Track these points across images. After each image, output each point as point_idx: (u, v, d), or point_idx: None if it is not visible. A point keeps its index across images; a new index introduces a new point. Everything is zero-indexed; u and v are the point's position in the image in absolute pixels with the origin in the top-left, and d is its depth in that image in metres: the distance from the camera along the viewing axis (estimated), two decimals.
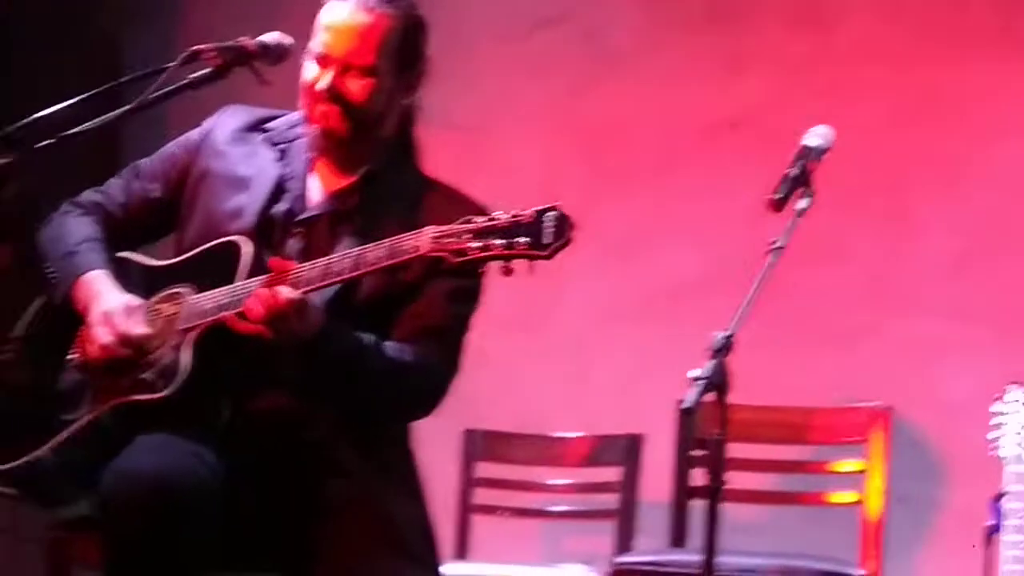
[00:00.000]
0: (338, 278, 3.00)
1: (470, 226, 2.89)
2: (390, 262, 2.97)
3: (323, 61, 3.21)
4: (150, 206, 3.41)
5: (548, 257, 2.85)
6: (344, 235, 3.19)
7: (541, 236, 2.84)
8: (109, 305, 3.19)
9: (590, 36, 5.43)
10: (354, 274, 3.00)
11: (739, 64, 5.28)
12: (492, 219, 2.89)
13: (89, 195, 3.45)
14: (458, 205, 3.17)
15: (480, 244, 2.87)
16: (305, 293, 3.00)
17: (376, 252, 2.98)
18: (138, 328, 3.17)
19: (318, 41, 3.22)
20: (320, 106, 3.22)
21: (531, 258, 2.85)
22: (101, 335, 3.16)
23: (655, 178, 5.31)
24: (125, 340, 3.15)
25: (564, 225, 2.85)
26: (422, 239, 2.93)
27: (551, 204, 2.88)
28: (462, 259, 2.89)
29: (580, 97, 5.41)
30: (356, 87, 3.20)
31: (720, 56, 5.30)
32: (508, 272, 2.88)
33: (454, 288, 3.19)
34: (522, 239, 2.85)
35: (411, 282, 3.17)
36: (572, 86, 5.42)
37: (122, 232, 3.41)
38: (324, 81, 3.20)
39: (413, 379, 3.14)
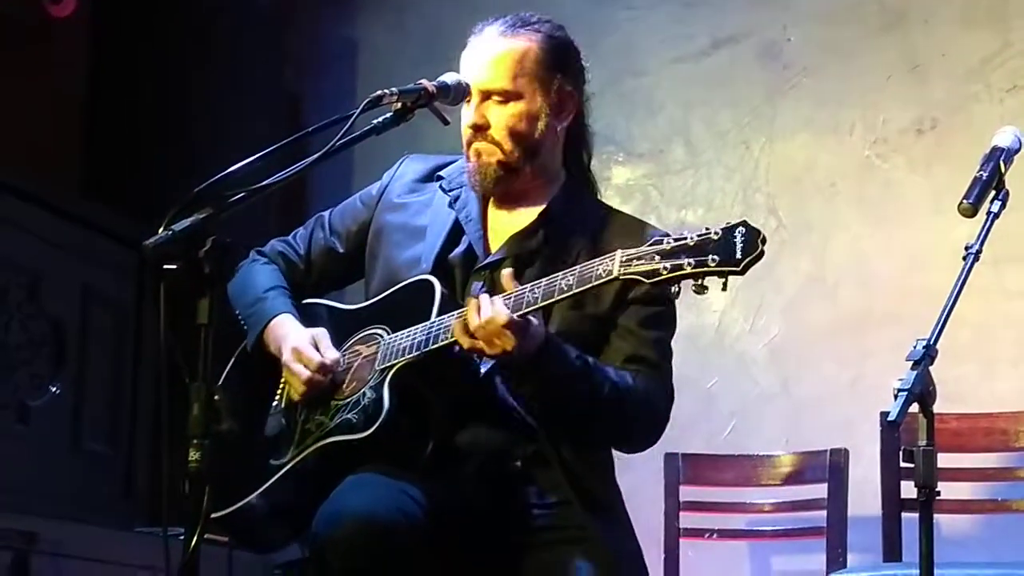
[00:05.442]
0: (529, 308, 2.98)
1: (660, 247, 2.86)
2: (582, 288, 2.94)
3: (467, 97, 3.24)
4: (332, 258, 3.48)
5: (742, 272, 2.80)
6: (529, 276, 3.16)
7: (733, 252, 2.80)
8: (297, 342, 3.25)
9: (767, 53, 5.40)
10: (546, 302, 2.98)
11: (920, 68, 5.21)
12: (681, 238, 2.85)
13: (274, 245, 3.54)
14: (641, 231, 3.17)
15: (671, 264, 2.84)
16: None
17: (567, 279, 2.96)
18: (330, 354, 3.23)
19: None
20: (473, 143, 3.25)
21: (724, 275, 2.81)
22: (299, 371, 3.21)
23: (843, 187, 5.25)
24: (322, 368, 3.20)
25: (755, 239, 2.80)
26: (613, 263, 2.91)
27: (739, 220, 2.83)
28: (655, 280, 2.85)
29: (760, 113, 5.38)
30: (497, 114, 3.23)
31: (901, 62, 5.23)
32: (701, 290, 2.83)
33: (647, 316, 3.19)
34: (713, 256, 2.81)
35: (599, 316, 3.18)
36: (751, 103, 5.39)
37: (304, 282, 3.49)
38: (468, 116, 3.24)
39: (636, 403, 3.12)
